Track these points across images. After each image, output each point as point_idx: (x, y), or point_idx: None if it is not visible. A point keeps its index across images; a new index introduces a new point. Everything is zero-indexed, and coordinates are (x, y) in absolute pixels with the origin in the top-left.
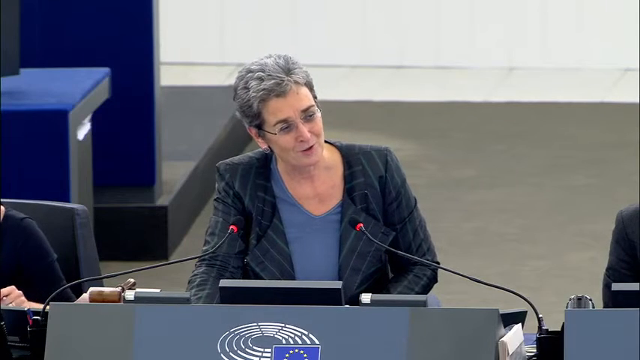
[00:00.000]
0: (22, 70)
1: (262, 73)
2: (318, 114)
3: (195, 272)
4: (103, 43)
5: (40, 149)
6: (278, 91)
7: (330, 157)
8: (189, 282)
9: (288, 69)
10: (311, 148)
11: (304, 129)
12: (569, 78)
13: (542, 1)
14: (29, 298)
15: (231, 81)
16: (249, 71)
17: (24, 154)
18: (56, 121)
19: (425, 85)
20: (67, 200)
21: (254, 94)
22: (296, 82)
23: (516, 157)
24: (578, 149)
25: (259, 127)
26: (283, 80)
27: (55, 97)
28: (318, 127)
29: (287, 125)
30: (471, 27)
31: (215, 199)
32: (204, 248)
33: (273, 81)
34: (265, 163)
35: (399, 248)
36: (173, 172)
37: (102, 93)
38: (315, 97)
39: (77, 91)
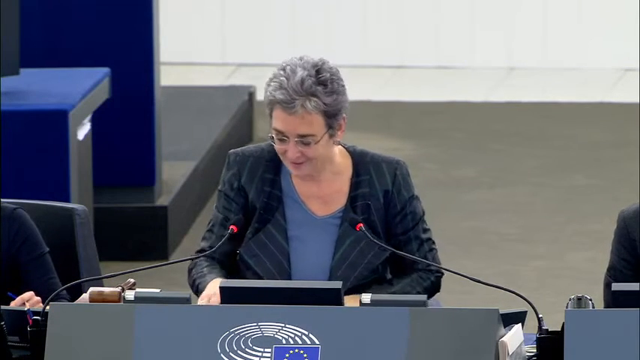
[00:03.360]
0: (22, 70)
1: (285, 81)
2: (320, 142)
3: (196, 262)
4: (103, 43)
5: (40, 149)
6: (285, 106)
7: (341, 162)
8: (190, 269)
9: (311, 92)
10: (299, 163)
11: (294, 149)
12: (569, 78)
13: (542, 1)
14: (22, 291)
15: (231, 81)
16: (282, 69)
17: (24, 154)
18: (56, 121)
19: (425, 85)
20: (67, 200)
21: (268, 94)
22: (304, 108)
23: (516, 157)
24: (578, 149)
25: (271, 117)
26: (294, 101)
27: (55, 97)
28: (311, 153)
29: (280, 137)
30: (471, 27)
31: (219, 190)
32: (202, 243)
33: (284, 96)
34: (276, 155)
35: (401, 259)
36: (173, 172)
37: (102, 93)
38: (330, 127)
39: (77, 91)
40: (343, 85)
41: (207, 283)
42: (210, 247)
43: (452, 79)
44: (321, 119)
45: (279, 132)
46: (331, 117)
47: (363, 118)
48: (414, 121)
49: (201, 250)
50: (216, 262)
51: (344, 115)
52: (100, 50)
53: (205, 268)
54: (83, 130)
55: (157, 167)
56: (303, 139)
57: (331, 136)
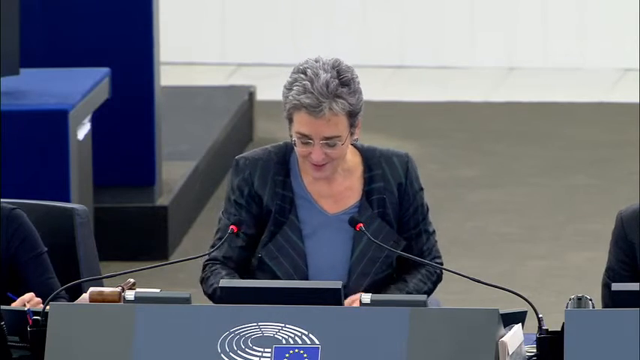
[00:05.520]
0: (22, 70)
1: (309, 85)
2: (344, 143)
3: (212, 270)
4: (103, 43)
5: (40, 149)
6: (311, 110)
7: (350, 159)
8: (206, 278)
9: (335, 94)
10: (322, 165)
11: (319, 151)
12: (569, 78)
13: (542, 2)
14: (20, 291)
15: (231, 81)
16: (303, 72)
17: (24, 154)
18: (56, 121)
19: (425, 85)
20: (67, 200)
21: (292, 98)
22: (332, 110)
23: (516, 157)
24: (578, 149)
25: (289, 120)
26: (321, 104)
27: (55, 97)
28: (336, 154)
29: (305, 140)
30: (471, 27)
31: (227, 198)
32: (214, 253)
33: (310, 100)
34: (284, 157)
35: (411, 251)
36: (173, 172)
37: (102, 93)
38: (352, 125)
39: (77, 91)
40: (359, 82)
41: None
42: (224, 257)
43: (452, 79)
44: (345, 120)
45: (303, 135)
46: (353, 116)
47: (364, 118)
48: (414, 121)
49: (214, 260)
50: (232, 269)
51: (361, 112)
52: (100, 50)
53: (227, 276)
54: (83, 130)
55: (157, 167)
56: (329, 141)
57: (352, 134)
